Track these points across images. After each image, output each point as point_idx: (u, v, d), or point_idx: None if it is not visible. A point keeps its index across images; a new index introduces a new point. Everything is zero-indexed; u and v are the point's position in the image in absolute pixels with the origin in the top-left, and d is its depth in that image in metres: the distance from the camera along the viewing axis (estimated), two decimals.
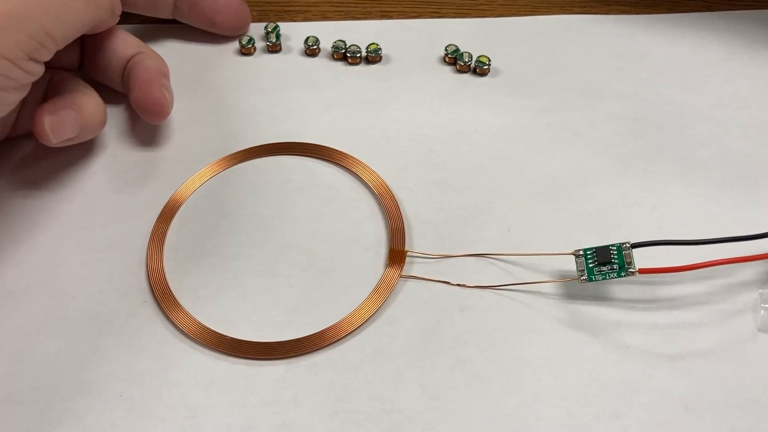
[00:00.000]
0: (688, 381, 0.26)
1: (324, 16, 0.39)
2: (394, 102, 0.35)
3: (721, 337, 0.27)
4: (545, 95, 0.35)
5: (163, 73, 0.33)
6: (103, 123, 0.32)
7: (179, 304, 0.28)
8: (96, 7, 0.30)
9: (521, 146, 0.33)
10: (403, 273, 0.29)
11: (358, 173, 0.32)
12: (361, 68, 0.37)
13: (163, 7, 0.36)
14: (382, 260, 0.30)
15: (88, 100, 0.31)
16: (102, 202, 0.31)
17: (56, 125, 0.30)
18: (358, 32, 0.38)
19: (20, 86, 0.28)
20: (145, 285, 0.29)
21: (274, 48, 0.37)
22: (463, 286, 0.29)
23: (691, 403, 0.26)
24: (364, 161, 0.32)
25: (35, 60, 0.28)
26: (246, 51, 0.37)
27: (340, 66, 0.37)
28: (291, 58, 0.37)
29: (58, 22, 0.28)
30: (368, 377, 0.27)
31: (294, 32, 0.38)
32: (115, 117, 0.34)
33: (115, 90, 0.34)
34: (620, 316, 0.28)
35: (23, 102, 0.31)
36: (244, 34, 0.38)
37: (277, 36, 0.37)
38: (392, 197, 0.31)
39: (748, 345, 0.27)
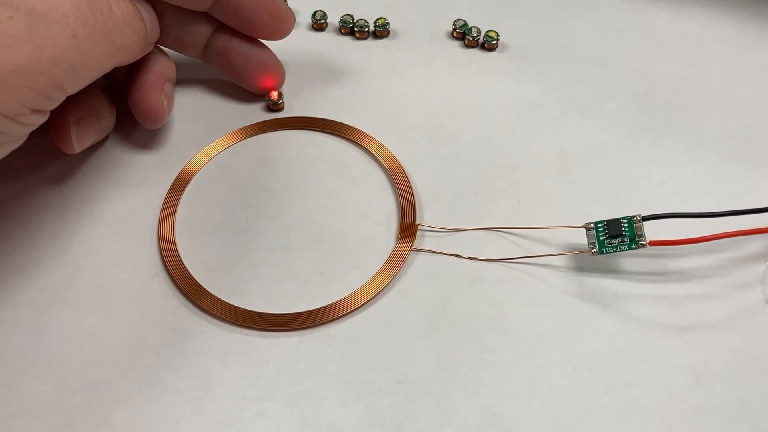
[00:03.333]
0: (697, 352, 0.27)
1: None
2: (403, 77, 0.35)
3: (730, 309, 0.28)
4: (553, 70, 0.35)
5: (167, 77, 0.31)
6: (113, 125, 0.32)
7: (192, 277, 0.28)
8: (122, 53, 0.27)
9: (530, 120, 0.33)
10: (415, 246, 0.29)
11: (368, 148, 0.32)
12: (369, 43, 0.36)
13: (193, 48, 0.33)
14: (393, 234, 0.30)
15: (103, 105, 0.30)
16: (112, 175, 0.31)
17: (80, 135, 0.30)
18: (366, 6, 0.37)
19: (17, 138, 0.25)
20: (157, 257, 0.29)
21: None
22: (475, 259, 0.29)
23: (700, 373, 0.26)
24: (373, 136, 0.32)
25: (39, 111, 0.25)
26: (275, 107, 0.34)
27: (348, 41, 0.37)
28: (299, 32, 0.37)
29: (72, 74, 0.25)
30: (381, 348, 0.27)
31: (302, 6, 0.38)
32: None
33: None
34: (630, 288, 0.28)
35: None
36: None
37: None
38: (402, 171, 0.31)
39: (757, 317, 0.27)
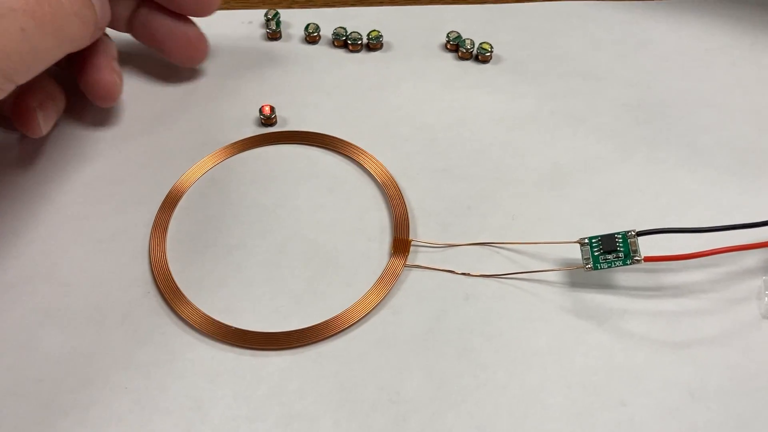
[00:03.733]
0: (693, 369, 0.26)
1: None
2: (396, 90, 0.35)
3: (726, 325, 0.27)
4: (548, 82, 0.35)
5: (112, 56, 0.32)
6: (65, 104, 0.32)
7: (183, 295, 0.28)
8: (72, 42, 0.28)
9: (524, 133, 0.33)
10: (408, 262, 0.29)
11: (361, 162, 0.32)
12: (363, 55, 0.36)
13: (118, 22, 0.33)
14: (387, 249, 0.29)
15: (54, 85, 0.31)
16: (103, 192, 0.31)
17: (46, 117, 0.30)
18: (359, 19, 0.37)
19: None
20: (148, 276, 0.29)
21: (275, 35, 0.37)
22: (468, 275, 0.29)
23: (696, 390, 0.26)
24: (366, 150, 0.32)
25: None
26: (267, 122, 0.33)
27: (341, 53, 0.36)
28: (291, 45, 0.37)
29: (21, 66, 0.25)
30: (374, 367, 0.27)
31: (294, 19, 0.37)
32: (115, 106, 0.34)
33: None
34: (625, 304, 0.28)
35: None
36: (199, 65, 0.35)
37: (278, 23, 0.37)
38: (396, 186, 0.31)
39: (753, 332, 0.27)
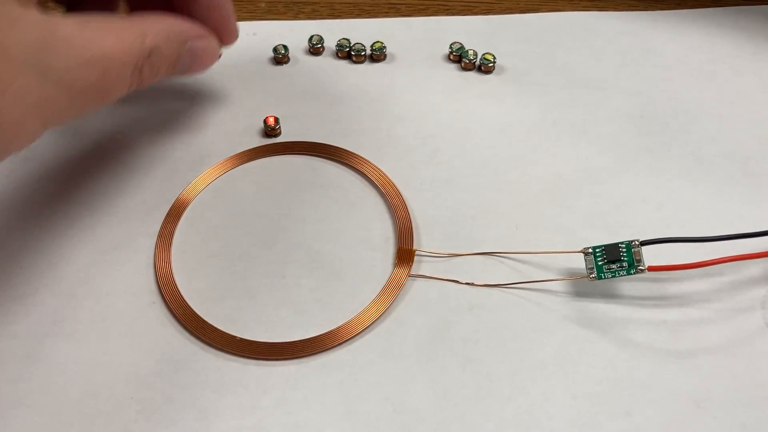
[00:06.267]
0: (698, 378, 0.26)
1: (332, 8, 0.39)
2: (400, 100, 0.35)
3: (731, 334, 0.27)
4: (550, 92, 0.35)
5: None
6: None
7: (188, 305, 0.28)
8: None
9: (527, 144, 0.33)
10: (412, 272, 0.29)
11: (365, 172, 0.32)
12: (366, 66, 0.36)
13: None
14: (391, 259, 0.30)
15: None
16: (108, 204, 0.31)
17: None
18: (363, 30, 0.38)
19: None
20: (153, 286, 0.29)
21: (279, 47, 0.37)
22: (472, 284, 0.29)
23: (701, 400, 0.26)
24: (370, 160, 0.32)
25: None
26: (271, 133, 0.33)
27: (344, 64, 0.37)
28: (296, 57, 0.37)
29: (63, 121, 0.25)
30: (378, 377, 0.27)
31: (298, 31, 0.38)
32: (120, 117, 0.34)
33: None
34: (629, 314, 0.28)
35: None
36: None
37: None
38: (399, 196, 0.31)
39: (758, 341, 0.27)
